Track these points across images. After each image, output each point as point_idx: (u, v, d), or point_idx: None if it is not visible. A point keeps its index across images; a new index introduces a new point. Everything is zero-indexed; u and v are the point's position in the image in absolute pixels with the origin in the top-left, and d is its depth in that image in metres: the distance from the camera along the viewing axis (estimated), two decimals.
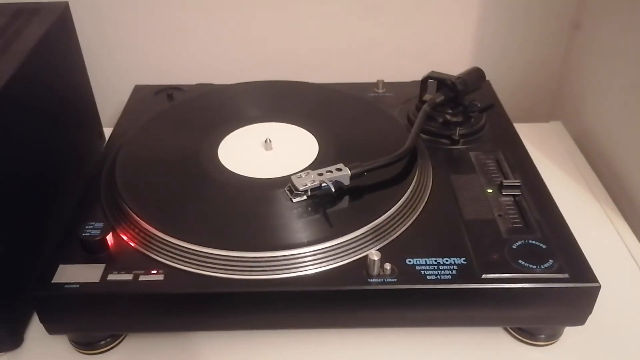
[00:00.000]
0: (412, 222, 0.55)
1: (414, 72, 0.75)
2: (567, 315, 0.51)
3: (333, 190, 0.54)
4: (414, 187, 0.57)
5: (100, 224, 0.53)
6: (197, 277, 0.50)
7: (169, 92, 0.76)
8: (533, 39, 0.86)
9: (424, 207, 0.56)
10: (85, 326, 0.52)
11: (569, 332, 0.54)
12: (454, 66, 0.70)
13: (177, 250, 0.51)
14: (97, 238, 0.52)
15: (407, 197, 0.56)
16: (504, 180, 0.58)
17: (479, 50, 0.87)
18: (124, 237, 0.53)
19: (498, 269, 0.49)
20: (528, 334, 0.54)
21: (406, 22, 0.84)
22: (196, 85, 0.78)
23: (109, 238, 0.53)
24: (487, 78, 0.72)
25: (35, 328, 0.56)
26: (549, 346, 0.54)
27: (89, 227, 0.53)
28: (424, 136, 0.66)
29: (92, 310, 0.50)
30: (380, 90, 0.75)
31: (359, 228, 0.52)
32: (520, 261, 0.50)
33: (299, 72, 0.82)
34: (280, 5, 0.82)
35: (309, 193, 0.55)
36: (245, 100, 0.73)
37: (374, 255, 0.49)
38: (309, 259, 0.50)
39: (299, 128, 0.66)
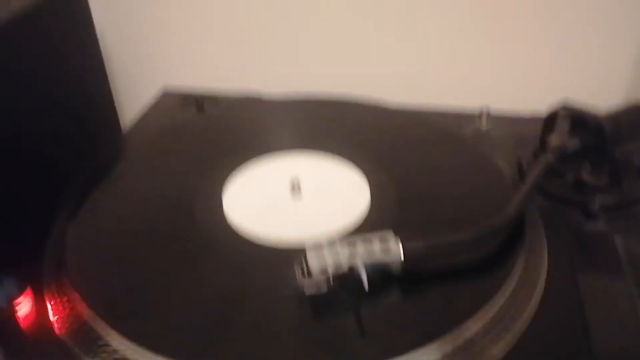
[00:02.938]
0: (499, 355, 0.31)
1: (535, 102, 0.52)
2: None
3: (366, 287, 0.32)
4: (511, 293, 0.34)
5: (10, 282, 0.35)
6: None
7: (199, 102, 0.58)
8: None
9: (526, 329, 0.33)
10: None
11: None
12: (598, 102, 0.46)
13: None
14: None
15: (498, 310, 0.33)
16: None
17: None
18: (49, 313, 0.35)
19: None
20: None
21: (532, 35, 0.60)
22: (238, 96, 0.60)
23: (21, 309, 0.35)
24: None
25: None
26: None
27: None
28: (542, 200, 0.42)
29: None
30: (483, 125, 0.52)
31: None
32: None
33: (377, 91, 0.60)
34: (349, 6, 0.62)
35: (331, 280, 0.34)
36: (279, 120, 0.53)
37: None
38: None
39: (345, 163, 0.45)
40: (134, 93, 0.67)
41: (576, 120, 0.43)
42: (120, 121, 0.66)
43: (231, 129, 0.52)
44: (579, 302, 0.34)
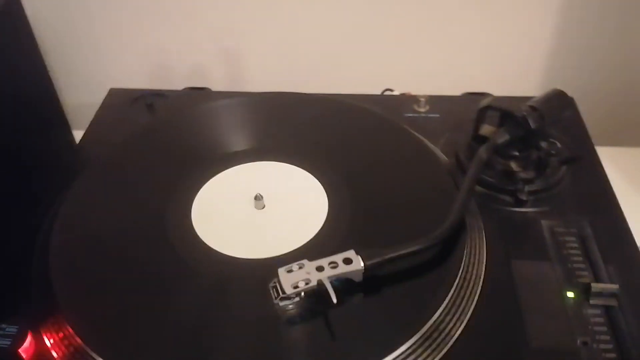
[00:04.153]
0: (452, 344, 0.37)
1: (470, 83, 0.56)
2: None
3: (334, 300, 0.37)
4: (455, 292, 0.39)
5: (13, 328, 0.38)
6: None
7: (148, 102, 0.59)
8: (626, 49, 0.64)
9: (466, 324, 0.39)
10: None
11: None
12: (524, 78, 0.51)
13: None
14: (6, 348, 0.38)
15: (444, 309, 0.38)
16: (594, 284, 0.39)
17: (555, 61, 0.65)
18: (48, 343, 0.39)
19: None
20: None
21: (463, 19, 0.64)
22: (183, 90, 0.61)
23: (24, 350, 0.38)
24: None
25: None
26: None
27: None
28: (477, 188, 0.47)
29: None
30: (422, 109, 0.56)
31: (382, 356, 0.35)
32: None
33: (310, 77, 0.63)
34: None
35: (302, 295, 0.38)
36: (229, 126, 0.55)
37: None
38: None
39: (301, 170, 0.49)
40: (79, 95, 0.67)
41: (504, 114, 0.47)
42: (70, 122, 0.66)
43: (187, 134, 0.54)
44: (515, 296, 0.40)
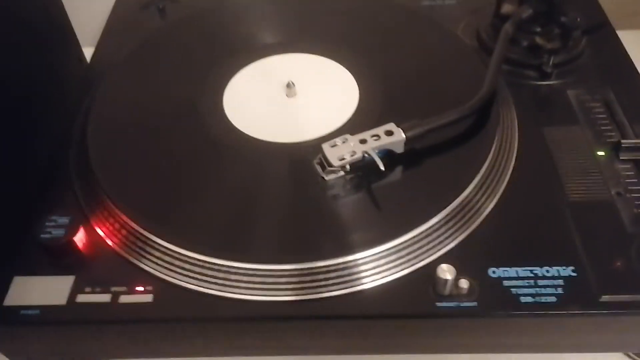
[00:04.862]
0: (492, 208, 0.39)
1: None
2: None
3: (382, 168, 0.38)
4: (493, 155, 0.41)
5: (66, 219, 0.39)
6: (198, 297, 0.36)
7: (160, 6, 0.58)
8: None
9: (507, 183, 0.40)
10: (52, 354, 0.40)
11: None
12: None
13: (172, 259, 0.37)
14: (62, 240, 0.38)
15: (485, 172, 0.40)
16: (623, 140, 0.41)
17: None
18: (101, 232, 0.39)
19: (623, 285, 0.35)
20: None
21: None
22: None
23: (79, 238, 0.39)
24: None
25: None
26: None
27: (51, 223, 0.39)
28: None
29: (58, 339, 0.38)
30: None
31: (422, 222, 0.37)
32: None
33: None
34: None
35: (348, 168, 0.39)
36: (258, 20, 0.55)
37: (446, 272, 0.34)
38: (349, 273, 0.36)
39: (330, 61, 0.49)
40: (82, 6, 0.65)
41: None
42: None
43: (215, 29, 0.54)
44: (549, 155, 0.41)
